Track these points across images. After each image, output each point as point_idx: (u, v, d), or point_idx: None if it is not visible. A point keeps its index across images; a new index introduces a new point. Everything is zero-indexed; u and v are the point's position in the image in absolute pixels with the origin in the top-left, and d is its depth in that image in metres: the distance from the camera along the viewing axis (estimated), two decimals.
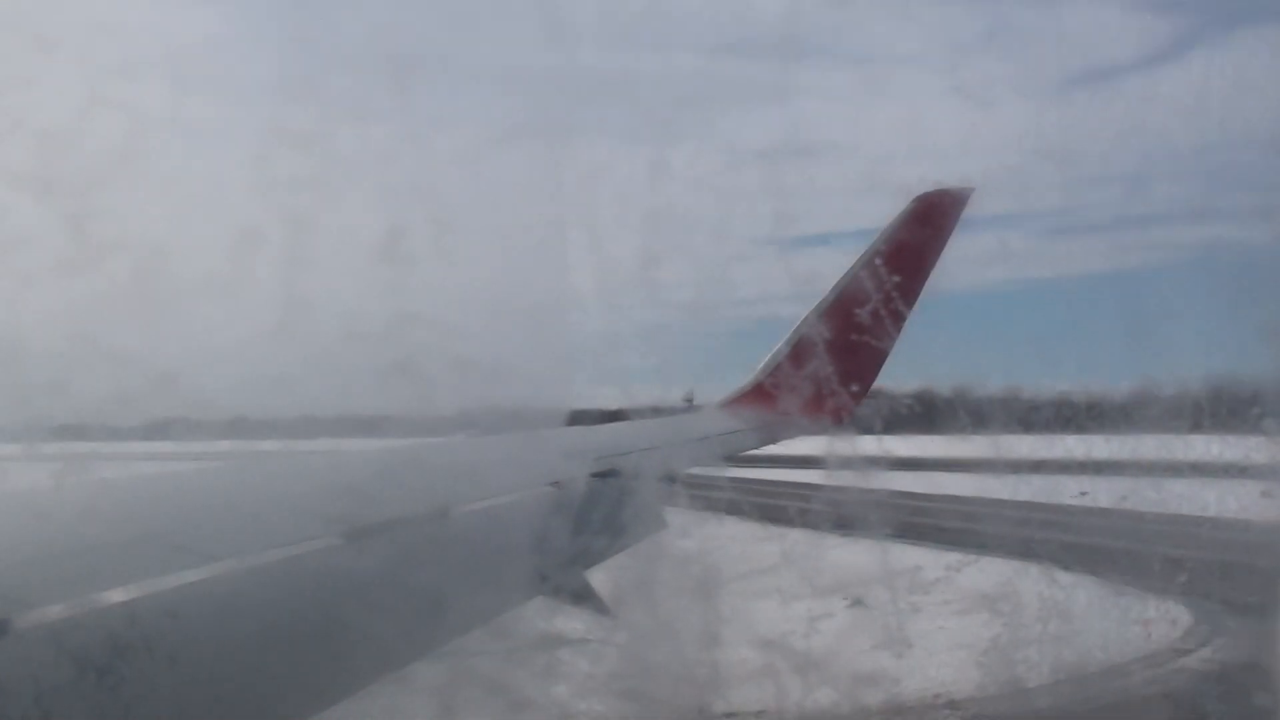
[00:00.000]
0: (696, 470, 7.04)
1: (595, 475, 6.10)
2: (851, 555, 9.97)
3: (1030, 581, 12.36)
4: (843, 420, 9.31)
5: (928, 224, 9.88)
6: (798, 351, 9.64)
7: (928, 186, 10.32)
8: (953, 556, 17.47)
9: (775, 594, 10.76)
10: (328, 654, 3.15)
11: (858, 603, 15.76)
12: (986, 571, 15.00)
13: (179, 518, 3.57)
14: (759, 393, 9.61)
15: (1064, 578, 11.95)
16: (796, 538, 12.88)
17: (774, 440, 9.12)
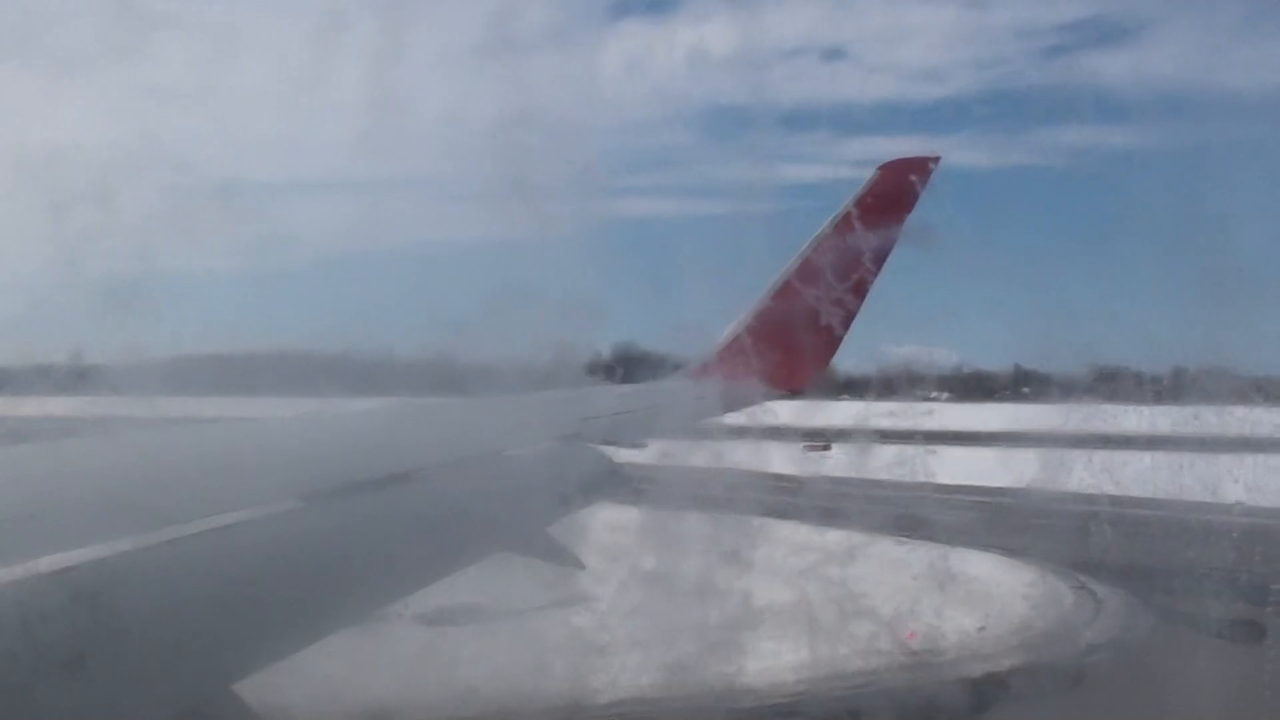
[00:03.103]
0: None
1: (564, 439, 6.45)
2: None
3: None
4: (802, 388, 9.57)
5: (892, 193, 9.95)
6: (761, 320, 9.86)
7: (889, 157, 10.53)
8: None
9: None
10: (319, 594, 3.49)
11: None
12: None
13: (189, 471, 3.86)
14: (724, 361, 9.83)
15: None
16: None
17: (735, 408, 9.33)
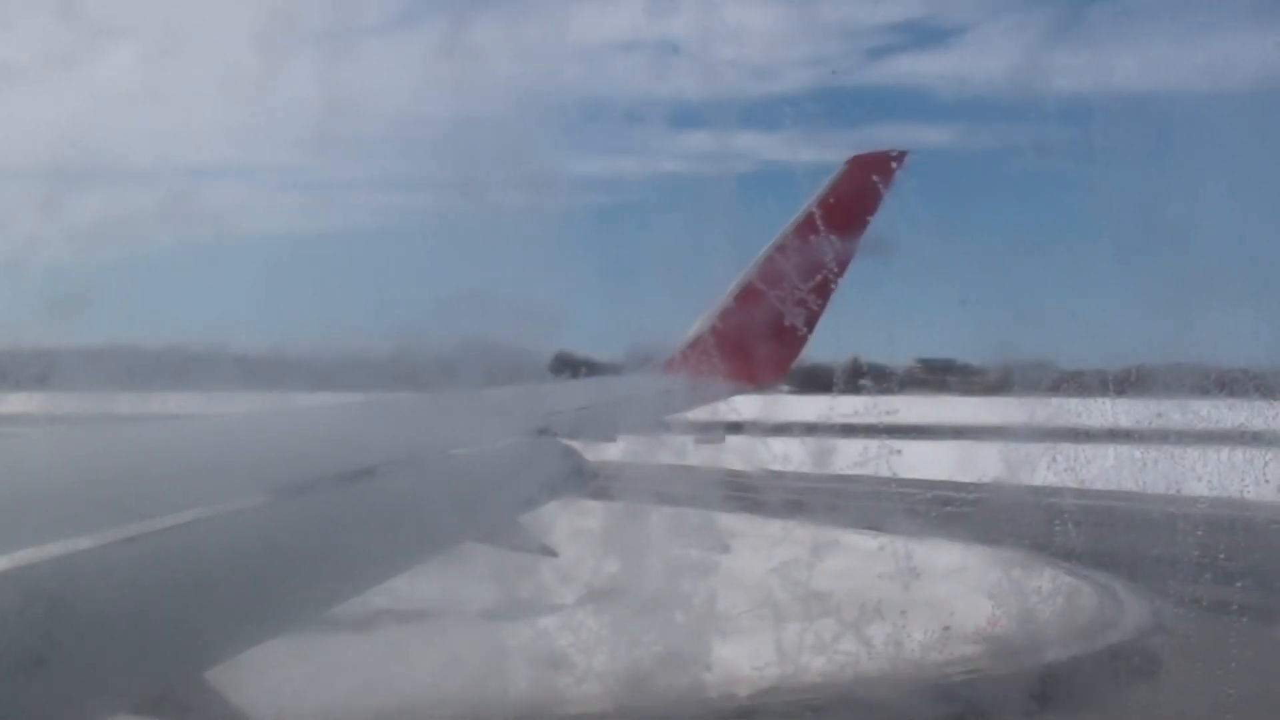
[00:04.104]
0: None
1: (536, 433, 6.44)
2: None
3: None
4: (770, 383, 9.61)
5: (859, 188, 9.93)
6: (728, 315, 9.89)
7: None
8: None
9: None
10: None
11: None
12: None
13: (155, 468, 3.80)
14: (692, 356, 9.85)
15: None
16: None
17: (703, 403, 9.35)
